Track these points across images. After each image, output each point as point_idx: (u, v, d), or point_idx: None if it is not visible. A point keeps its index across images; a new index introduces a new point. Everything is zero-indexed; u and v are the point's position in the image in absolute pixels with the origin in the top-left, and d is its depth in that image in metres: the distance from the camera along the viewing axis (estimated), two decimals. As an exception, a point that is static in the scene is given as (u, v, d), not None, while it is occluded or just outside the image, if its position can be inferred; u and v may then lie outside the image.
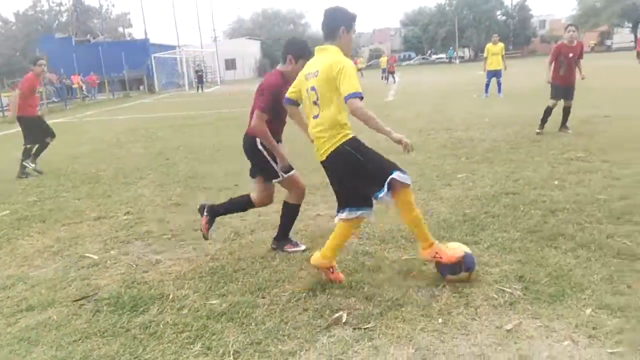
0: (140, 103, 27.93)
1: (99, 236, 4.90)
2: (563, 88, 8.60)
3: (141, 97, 33.62)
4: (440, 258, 3.38)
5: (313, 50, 3.57)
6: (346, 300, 3.23)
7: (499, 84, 16.05)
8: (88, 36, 52.45)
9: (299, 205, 4.20)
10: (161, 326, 3.05)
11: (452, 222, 4.56)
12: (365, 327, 2.91)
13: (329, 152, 3.35)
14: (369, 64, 58.22)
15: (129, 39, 66.41)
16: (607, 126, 9.02)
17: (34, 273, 4.09)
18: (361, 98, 3.16)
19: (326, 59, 3.31)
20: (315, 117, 3.39)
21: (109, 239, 4.79)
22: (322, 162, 3.48)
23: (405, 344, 2.72)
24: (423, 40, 76.60)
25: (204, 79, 39.72)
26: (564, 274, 3.37)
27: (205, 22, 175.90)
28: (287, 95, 3.64)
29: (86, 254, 4.42)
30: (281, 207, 4.25)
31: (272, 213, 5.22)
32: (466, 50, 76.65)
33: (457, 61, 65.77)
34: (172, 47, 48.58)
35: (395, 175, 3.22)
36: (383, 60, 32.00)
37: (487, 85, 16.23)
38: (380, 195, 3.23)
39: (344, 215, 3.40)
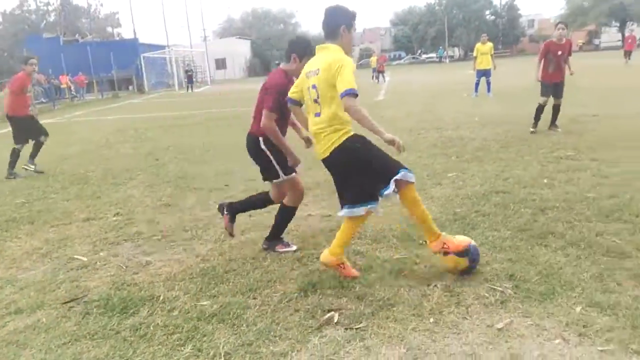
0: (130, 103, 27.76)
1: (88, 237, 4.86)
2: (552, 85, 8.68)
3: (130, 97, 33.41)
4: (448, 248, 3.43)
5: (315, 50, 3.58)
6: (338, 300, 3.23)
7: (488, 83, 16.12)
8: (76, 36, 52.09)
9: (296, 208, 4.20)
10: (151, 328, 3.02)
11: (443, 221, 4.57)
12: (356, 327, 2.90)
13: (332, 149, 3.37)
14: (359, 63, 58.32)
15: (117, 38, 66.00)
16: (596, 125, 9.10)
17: (22, 275, 4.04)
18: (355, 95, 3.17)
19: (327, 57, 3.33)
20: (317, 114, 3.41)
21: (98, 241, 4.75)
22: (324, 160, 3.49)
23: (396, 344, 2.72)
24: (413, 40, 76.87)
25: (194, 79, 39.55)
26: (554, 272, 3.39)
27: (195, 21, 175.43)
28: (290, 95, 3.66)
29: (75, 256, 4.37)
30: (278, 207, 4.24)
31: (264, 213, 5.20)
32: (456, 49, 77.00)
33: (447, 60, 66.03)
34: (162, 47, 48.33)
35: (400, 175, 3.27)
36: (373, 60, 32.03)
37: (477, 85, 16.31)
38: (386, 192, 3.28)
39: (350, 212, 3.42)
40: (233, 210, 4.33)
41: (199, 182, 6.81)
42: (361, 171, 3.34)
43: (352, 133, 3.38)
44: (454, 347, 2.66)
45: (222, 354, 2.71)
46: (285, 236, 4.28)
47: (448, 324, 2.87)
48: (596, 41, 69.33)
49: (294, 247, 4.14)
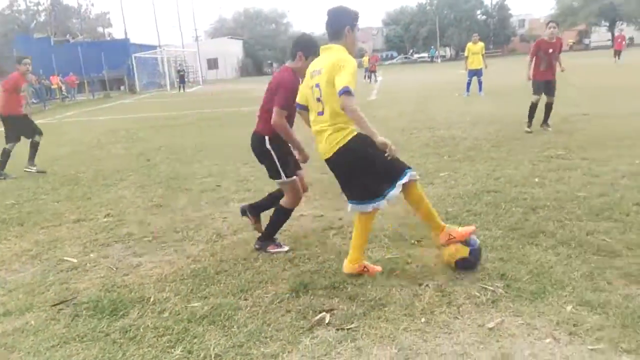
0: (121, 103, 27.63)
1: (79, 239, 4.82)
2: (544, 83, 8.75)
3: (122, 98, 33.25)
4: (454, 238, 3.49)
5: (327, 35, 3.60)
6: (329, 301, 3.22)
7: (479, 83, 16.20)
8: (67, 36, 51.74)
9: (292, 210, 4.20)
10: (141, 330, 3.00)
11: (435, 221, 4.57)
12: (348, 327, 2.90)
13: (336, 149, 3.38)
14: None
15: (108, 38, 65.65)
16: (586, 124, 9.15)
17: (11, 277, 4.00)
18: (352, 94, 3.18)
19: (330, 57, 3.35)
20: (320, 113, 3.42)
21: (88, 242, 4.71)
22: (327, 159, 3.50)
23: (388, 344, 2.71)
24: (405, 40, 77.06)
25: (186, 79, 39.43)
26: (545, 271, 3.40)
27: (187, 21, 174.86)
28: (298, 100, 3.69)
29: (65, 258, 4.33)
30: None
31: (255, 214, 5.20)
32: (447, 49, 77.24)
33: (439, 60, 66.25)
34: (153, 47, 48.18)
35: (406, 178, 3.35)
36: (365, 60, 32.11)
37: (469, 84, 16.37)
38: (392, 194, 3.35)
39: (356, 208, 3.46)
40: (256, 210, 4.38)
41: (190, 183, 6.79)
42: (365, 171, 3.37)
43: (355, 133, 3.38)
44: (445, 347, 2.65)
45: (213, 356, 2.70)
46: (277, 236, 4.27)
47: (439, 324, 2.87)
48: (586, 41, 69.83)
49: (286, 248, 4.13)
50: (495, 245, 3.88)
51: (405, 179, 3.34)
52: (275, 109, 3.78)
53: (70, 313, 3.30)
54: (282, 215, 4.19)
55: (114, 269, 4.02)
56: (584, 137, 7.86)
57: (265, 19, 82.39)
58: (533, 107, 8.79)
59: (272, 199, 4.35)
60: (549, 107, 8.83)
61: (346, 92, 3.16)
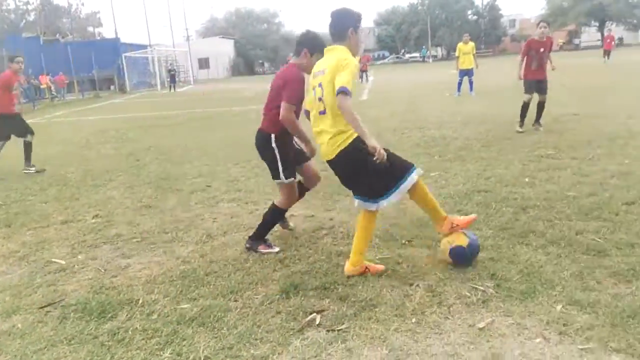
0: (111, 103, 27.45)
1: (67, 240, 4.77)
2: (535, 82, 8.81)
3: (112, 97, 33.04)
4: (457, 226, 3.58)
5: (326, 45, 3.65)
6: (320, 302, 3.20)
7: (470, 83, 16.25)
8: (57, 35, 51.33)
9: (286, 210, 4.21)
10: (130, 332, 2.97)
11: (426, 221, 4.55)
12: (339, 328, 2.88)
13: (337, 151, 3.40)
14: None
15: (99, 38, 65.27)
16: (576, 124, 9.19)
17: (-3, 280, 3.95)
18: (348, 94, 3.19)
19: (334, 57, 3.38)
20: (322, 112, 3.44)
21: (76, 243, 4.66)
22: (329, 161, 3.52)
23: (378, 345, 2.70)
24: (396, 40, 77.22)
25: (177, 79, 39.28)
26: (535, 270, 3.40)
27: (178, 21, 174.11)
28: (306, 107, 3.75)
29: (53, 259, 4.28)
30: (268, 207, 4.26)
31: (245, 214, 5.19)
32: (439, 49, 77.50)
33: (430, 60, 66.45)
34: (144, 47, 47.92)
35: (410, 178, 3.40)
36: (357, 59, 32.10)
37: (460, 84, 16.41)
38: (394, 194, 3.41)
39: (362, 205, 3.50)
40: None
41: (180, 183, 6.74)
42: (367, 173, 3.38)
43: (357, 135, 3.38)
44: (435, 348, 2.65)
45: (202, 358, 2.67)
46: (268, 237, 4.24)
47: (430, 324, 2.87)
48: (576, 41, 70.31)
49: (277, 249, 4.11)
50: (486, 245, 3.88)
51: (408, 184, 3.40)
52: (283, 104, 3.78)
53: (58, 315, 3.26)
54: (276, 215, 4.19)
55: (103, 271, 3.98)
56: (574, 137, 7.90)
57: (257, 19, 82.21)
58: (525, 107, 8.83)
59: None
60: (541, 106, 8.89)
61: (343, 91, 3.18)
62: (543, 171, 6.00)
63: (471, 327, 2.81)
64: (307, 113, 3.75)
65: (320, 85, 3.42)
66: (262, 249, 4.10)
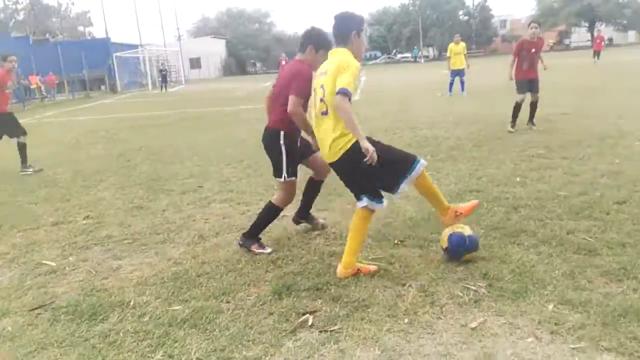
0: (102, 103, 27.29)
1: (57, 242, 4.73)
2: (527, 81, 8.89)
3: (102, 97, 32.84)
4: (462, 213, 3.71)
5: (332, 43, 3.70)
6: (312, 303, 3.20)
7: (462, 83, 16.31)
8: (47, 35, 51.00)
9: (282, 209, 4.21)
10: (121, 334, 2.95)
11: (418, 220, 4.59)
12: (331, 329, 2.88)
13: (339, 154, 3.44)
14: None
15: (89, 37, 64.88)
16: (567, 123, 9.26)
17: (-13, 282, 3.91)
18: (347, 96, 3.25)
19: (336, 59, 3.45)
20: (324, 113, 3.47)
21: (67, 245, 4.63)
22: (332, 163, 3.55)
23: (371, 346, 2.70)
24: (388, 40, 77.30)
25: (168, 79, 39.11)
26: (527, 270, 3.42)
27: (169, 20, 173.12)
28: (309, 108, 3.77)
29: (43, 261, 4.25)
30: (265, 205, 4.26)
31: (237, 215, 5.17)
32: (430, 49, 77.71)
33: (422, 60, 66.59)
34: (135, 46, 47.65)
35: (414, 173, 3.44)
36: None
37: (451, 84, 16.47)
38: (402, 186, 3.46)
39: (363, 202, 3.51)
40: (304, 212, 4.52)
41: (172, 184, 6.71)
42: (369, 173, 3.41)
43: None
44: (428, 348, 2.65)
45: (194, 360, 2.66)
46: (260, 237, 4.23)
47: (422, 324, 2.87)
48: (567, 41, 70.82)
49: (269, 250, 4.09)
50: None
51: (415, 175, 3.45)
52: (291, 98, 3.78)
53: (48, 318, 3.24)
54: (272, 213, 4.18)
55: (93, 273, 3.95)
56: (565, 137, 7.95)
57: (249, 19, 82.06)
58: (517, 107, 8.87)
59: (311, 192, 4.46)
60: (534, 106, 8.96)
61: (342, 92, 3.23)
62: (534, 171, 6.03)
63: (463, 327, 2.82)
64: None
65: (322, 86, 3.46)
66: (255, 248, 4.09)
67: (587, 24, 67.93)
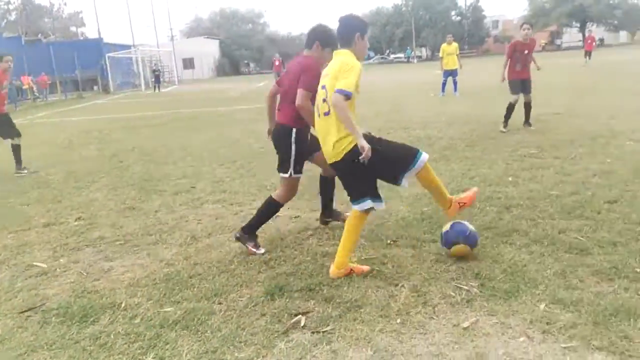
0: (94, 104, 27.17)
1: (48, 243, 4.70)
2: (520, 82, 8.96)
3: (95, 98, 32.70)
4: (465, 204, 3.78)
5: (337, 41, 3.71)
6: (305, 304, 3.19)
7: (455, 83, 16.36)
8: (39, 35, 50.72)
9: (282, 205, 4.20)
10: (112, 337, 2.93)
11: (410, 220, 4.59)
12: (324, 330, 2.87)
13: (342, 155, 3.45)
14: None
15: (81, 38, 64.60)
16: (558, 123, 9.30)
17: (-24, 284, 3.88)
18: (347, 97, 3.27)
19: (339, 60, 3.49)
20: (326, 113, 3.48)
21: (58, 246, 4.60)
22: (334, 163, 3.56)
23: (363, 346, 2.69)
24: (381, 40, 77.37)
25: (161, 79, 39.01)
26: (519, 269, 3.42)
27: (162, 21, 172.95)
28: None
29: (34, 263, 4.22)
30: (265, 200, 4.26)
31: (230, 216, 5.15)
32: (423, 49, 77.89)
33: (415, 61, 66.77)
34: (127, 47, 47.56)
35: (415, 167, 3.48)
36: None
37: (444, 84, 16.52)
38: (404, 179, 3.50)
39: (366, 205, 3.50)
40: (328, 210, 4.59)
41: (164, 185, 6.68)
42: (370, 174, 3.44)
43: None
44: (420, 348, 2.65)
45: (186, 362, 2.65)
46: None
47: (415, 325, 2.87)
48: (558, 41, 71.23)
49: (262, 251, 4.07)
50: (470, 245, 3.89)
51: (415, 168, 3.48)
52: (300, 91, 3.78)
53: (38, 320, 3.21)
54: (273, 208, 4.18)
55: (85, 274, 3.93)
56: (557, 137, 7.98)
57: (242, 19, 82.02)
58: (511, 108, 8.90)
59: (325, 188, 4.49)
60: (527, 107, 9.02)
61: (342, 93, 3.26)
62: (526, 170, 6.05)
63: (456, 326, 2.82)
64: None
65: (324, 87, 3.49)
66: (250, 246, 4.06)
67: (578, 25, 68.37)
